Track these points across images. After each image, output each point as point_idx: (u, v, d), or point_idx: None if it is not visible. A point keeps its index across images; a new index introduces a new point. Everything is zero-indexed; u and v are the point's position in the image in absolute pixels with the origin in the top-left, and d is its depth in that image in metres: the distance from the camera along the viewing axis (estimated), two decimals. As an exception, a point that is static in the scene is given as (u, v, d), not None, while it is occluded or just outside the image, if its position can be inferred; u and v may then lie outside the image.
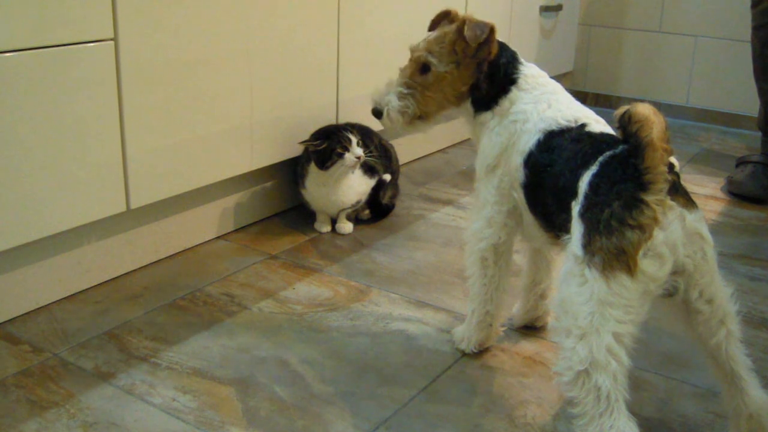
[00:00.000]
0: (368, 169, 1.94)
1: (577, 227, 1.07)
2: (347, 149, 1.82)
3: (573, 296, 1.04)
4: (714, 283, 1.08)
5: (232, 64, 1.73)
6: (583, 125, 1.21)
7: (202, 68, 1.66)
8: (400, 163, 2.21)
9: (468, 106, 1.35)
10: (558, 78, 3.71)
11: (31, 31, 1.35)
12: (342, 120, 2.08)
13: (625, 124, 1.03)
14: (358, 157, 1.82)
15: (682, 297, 1.08)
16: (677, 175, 1.06)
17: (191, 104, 1.66)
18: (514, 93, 1.30)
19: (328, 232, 1.95)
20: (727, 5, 3.01)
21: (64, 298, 1.57)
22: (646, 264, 1.02)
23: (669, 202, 1.03)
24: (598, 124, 1.22)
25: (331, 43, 2.01)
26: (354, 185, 1.90)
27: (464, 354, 1.42)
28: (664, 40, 3.19)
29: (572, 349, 1.04)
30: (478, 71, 1.32)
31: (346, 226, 1.95)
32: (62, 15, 1.38)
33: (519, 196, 1.28)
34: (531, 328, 1.52)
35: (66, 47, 1.40)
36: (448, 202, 2.18)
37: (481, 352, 1.42)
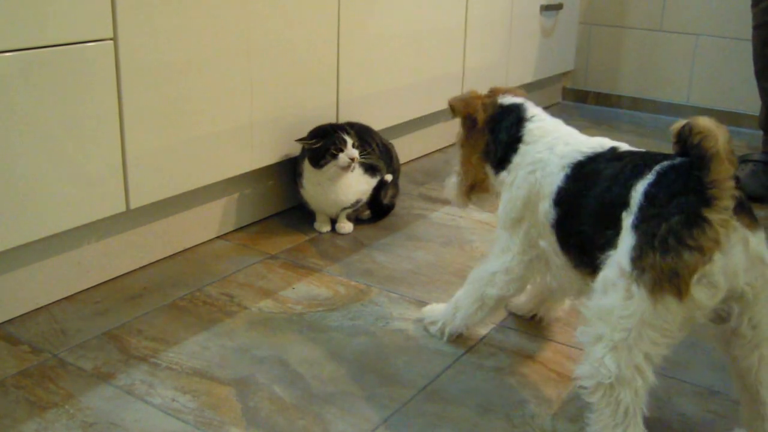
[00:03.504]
0: (369, 169, 1.94)
1: (627, 238, 1.01)
2: (341, 150, 1.82)
3: (614, 308, 1.00)
4: (764, 309, 1.02)
5: (232, 63, 1.73)
6: (614, 147, 1.19)
7: (202, 68, 1.66)
8: (401, 162, 2.20)
9: (490, 171, 1.38)
10: (558, 77, 3.71)
11: (29, 31, 1.35)
12: (342, 119, 2.08)
13: (686, 136, 0.97)
14: (352, 159, 1.82)
15: (733, 324, 1.02)
16: (743, 190, 0.99)
17: (191, 104, 1.66)
18: (522, 148, 1.30)
19: (328, 232, 1.95)
20: (728, 4, 3.00)
21: (64, 298, 1.57)
22: (698, 291, 0.96)
23: (734, 222, 0.96)
24: (626, 146, 1.20)
25: (331, 42, 2.01)
26: (353, 184, 1.90)
27: (462, 355, 1.42)
28: (664, 38, 3.19)
29: (600, 359, 1.01)
30: (484, 138, 1.36)
31: (346, 226, 1.95)
32: (61, 14, 1.38)
33: (549, 241, 1.24)
34: (521, 316, 1.54)
35: (65, 47, 1.40)
36: (448, 202, 2.17)
37: (482, 352, 1.42)
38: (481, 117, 1.36)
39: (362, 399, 1.28)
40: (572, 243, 1.19)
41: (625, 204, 1.04)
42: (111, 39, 1.48)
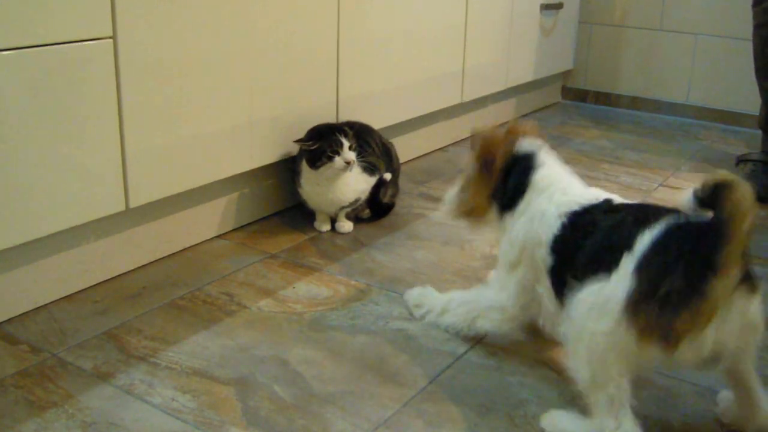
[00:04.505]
0: (368, 168, 1.93)
1: (626, 281, 1.03)
2: (338, 153, 1.81)
3: (598, 335, 1.05)
4: (747, 362, 1.09)
5: (232, 62, 1.73)
6: (609, 199, 1.23)
7: (201, 66, 1.66)
8: (401, 161, 2.20)
9: (495, 209, 1.40)
10: (558, 76, 3.71)
11: (28, 29, 1.34)
12: (342, 118, 2.08)
13: (720, 194, 0.97)
14: (348, 162, 1.82)
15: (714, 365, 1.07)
16: (749, 257, 1.00)
17: (190, 102, 1.66)
18: (529, 195, 1.33)
19: (327, 231, 1.95)
20: (727, 3, 3.00)
21: (63, 297, 1.56)
22: (685, 348, 0.99)
23: (734, 294, 0.98)
24: (620, 199, 1.23)
25: (331, 41, 2.01)
26: (352, 183, 1.89)
27: (462, 354, 1.41)
28: (664, 38, 3.19)
29: (576, 371, 1.09)
30: (495, 179, 1.39)
31: (346, 225, 1.95)
32: (60, 13, 1.38)
33: (544, 286, 1.27)
34: None
35: (64, 45, 1.40)
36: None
37: (483, 351, 1.42)
38: (498, 164, 1.38)
39: (362, 398, 1.27)
40: (566, 290, 1.20)
41: (628, 247, 1.06)
42: (110, 37, 1.47)
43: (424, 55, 2.38)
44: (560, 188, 1.30)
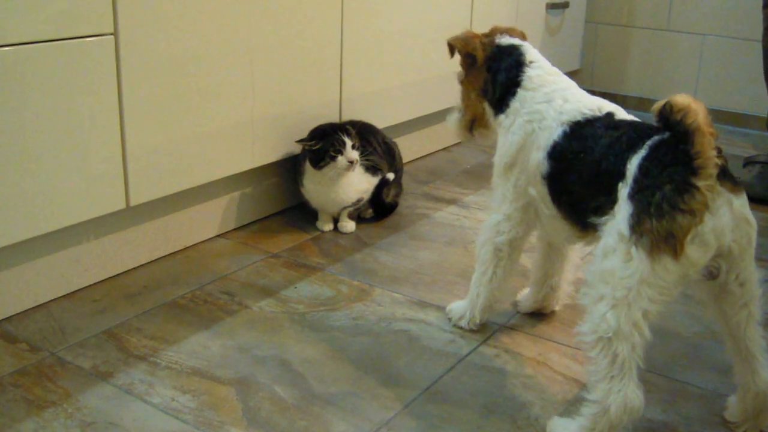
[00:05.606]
0: (370, 167, 1.92)
1: (624, 208, 1.09)
2: (341, 152, 1.80)
3: (615, 269, 1.07)
4: (750, 267, 1.12)
5: (233, 59, 1.72)
6: (610, 113, 1.25)
7: (203, 64, 1.65)
8: (404, 161, 2.19)
9: (488, 109, 1.43)
10: (564, 76, 3.63)
11: (29, 26, 1.33)
12: (345, 118, 2.07)
13: (667, 114, 1.05)
14: (351, 162, 1.81)
15: (722, 279, 1.11)
16: (725, 159, 1.07)
17: (192, 100, 1.65)
18: (521, 93, 1.35)
19: (330, 231, 1.94)
20: (735, 4, 2.99)
21: (63, 296, 1.56)
22: (691, 249, 1.04)
23: (718, 187, 1.05)
24: (622, 112, 1.26)
25: (334, 39, 2.00)
26: (354, 183, 1.88)
27: (465, 356, 1.40)
28: (671, 38, 3.17)
29: (602, 316, 1.08)
30: (483, 76, 1.41)
31: (349, 225, 1.94)
32: (61, 9, 1.37)
33: (539, 190, 1.30)
34: (536, 315, 1.54)
35: (65, 42, 1.39)
36: (452, 201, 2.16)
37: (485, 353, 1.41)
38: (480, 55, 1.41)
39: (364, 400, 1.26)
40: (564, 199, 1.26)
41: (620, 175, 1.11)
42: (112, 34, 1.46)
43: (428, 54, 2.37)
44: (559, 92, 1.31)
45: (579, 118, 1.25)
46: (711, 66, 3.10)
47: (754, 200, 2.26)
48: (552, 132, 1.26)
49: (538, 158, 1.28)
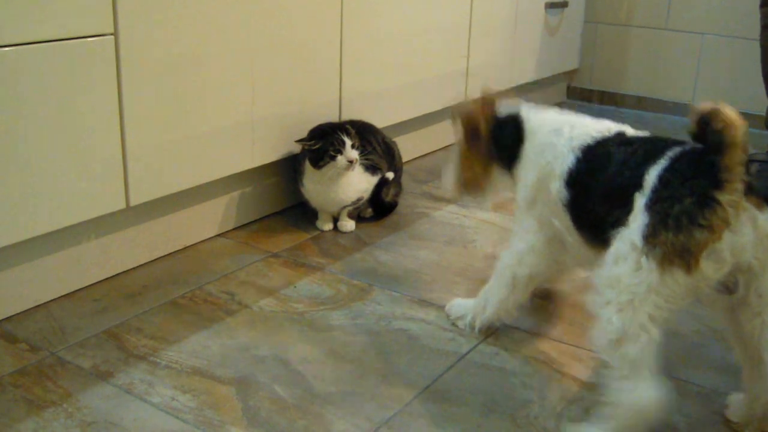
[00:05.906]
0: (370, 167, 1.92)
1: (640, 218, 1.07)
2: (340, 152, 1.80)
3: (624, 276, 1.07)
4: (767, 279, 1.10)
5: (233, 59, 1.72)
6: (620, 132, 1.25)
7: (203, 64, 1.65)
8: (404, 160, 2.19)
9: (502, 172, 1.42)
10: (563, 76, 3.70)
11: (29, 26, 1.33)
12: (345, 117, 2.07)
13: (709, 120, 1.02)
14: (351, 161, 1.81)
15: (740, 294, 1.09)
16: (753, 175, 1.05)
17: (192, 100, 1.65)
18: (529, 140, 1.35)
19: (330, 230, 1.94)
20: (734, 3, 2.99)
21: (63, 296, 1.56)
22: (705, 265, 1.03)
23: (743, 203, 1.02)
24: (631, 131, 1.26)
25: (334, 38, 2.00)
26: (354, 182, 1.88)
27: (465, 354, 1.40)
28: (670, 37, 3.17)
29: (608, 319, 1.08)
30: (487, 145, 1.41)
31: (349, 224, 1.94)
32: (61, 9, 1.37)
33: (562, 219, 1.29)
34: (536, 314, 1.52)
35: (65, 42, 1.39)
36: (451, 201, 2.17)
37: (485, 351, 1.41)
38: (484, 129, 1.41)
39: (364, 399, 1.26)
40: (585, 222, 1.25)
41: (638, 186, 1.10)
42: (112, 34, 1.46)
43: (428, 53, 2.37)
44: (564, 122, 1.31)
45: (589, 141, 1.24)
46: (710, 65, 3.10)
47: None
48: (565, 159, 1.26)
49: (556, 188, 1.27)
